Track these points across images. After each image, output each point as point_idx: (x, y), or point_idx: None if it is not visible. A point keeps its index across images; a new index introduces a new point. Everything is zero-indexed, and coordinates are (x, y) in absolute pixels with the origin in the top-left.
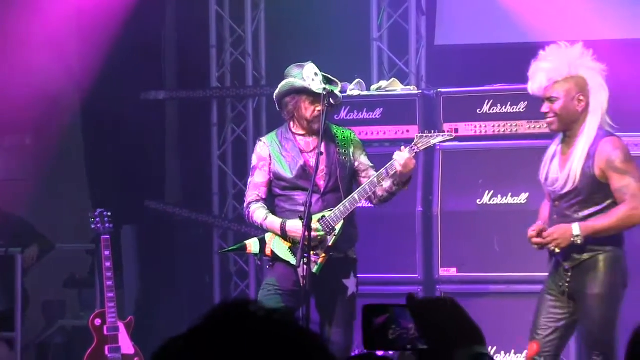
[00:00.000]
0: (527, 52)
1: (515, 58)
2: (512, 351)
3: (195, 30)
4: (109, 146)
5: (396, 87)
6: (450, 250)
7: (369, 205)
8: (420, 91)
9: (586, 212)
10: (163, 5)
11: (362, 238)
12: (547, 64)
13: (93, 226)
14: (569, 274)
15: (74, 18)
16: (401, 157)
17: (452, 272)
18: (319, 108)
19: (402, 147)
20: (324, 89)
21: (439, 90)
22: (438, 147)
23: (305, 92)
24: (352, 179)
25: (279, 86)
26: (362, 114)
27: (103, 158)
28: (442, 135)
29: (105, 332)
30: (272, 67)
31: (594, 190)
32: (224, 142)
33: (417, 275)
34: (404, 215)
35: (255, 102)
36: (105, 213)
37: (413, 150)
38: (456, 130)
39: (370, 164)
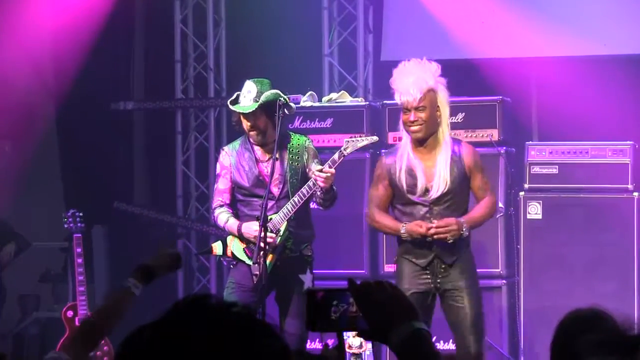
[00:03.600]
0: (465, 68)
1: (454, 73)
2: (450, 340)
3: (161, 47)
4: (81, 152)
5: (345, 99)
6: (394, 248)
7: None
8: (367, 103)
9: (461, 210)
10: (132, 23)
11: (315, 237)
12: (415, 76)
13: (66, 226)
14: (443, 269)
15: (49, 36)
16: (322, 175)
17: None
18: (248, 124)
19: (325, 165)
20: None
21: (384, 102)
22: (383, 154)
23: None
24: (304, 184)
25: None
26: (314, 123)
27: (76, 163)
28: (368, 139)
29: (77, 323)
30: (232, 80)
31: (463, 189)
32: (187, 149)
33: (363, 271)
34: (352, 216)
35: (216, 112)
36: (77, 214)
37: (342, 154)
38: (400, 139)
39: None
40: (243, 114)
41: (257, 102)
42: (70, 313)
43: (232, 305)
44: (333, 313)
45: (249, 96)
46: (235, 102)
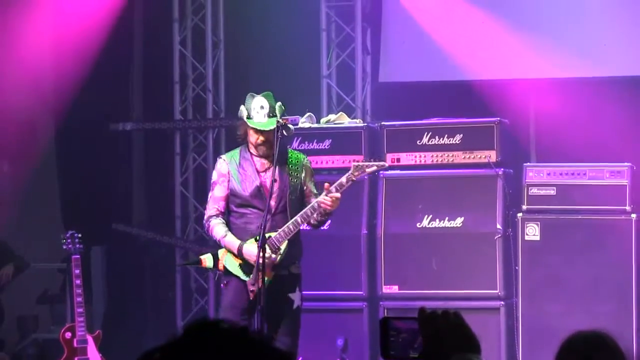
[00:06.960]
0: (462, 89)
1: (452, 94)
2: None
3: (160, 68)
4: (80, 173)
5: (344, 120)
6: (393, 269)
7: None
8: (365, 124)
9: None
10: (131, 45)
11: (313, 258)
12: None
13: (64, 247)
14: None
15: (49, 56)
16: (328, 199)
17: (394, 289)
18: (262, 138)
19: (332, 188)
20: (251, 126)
21: (382, 123)
22: (382, 175)
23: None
24: (301, 201)
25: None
26: (312, 145)
27: (75, 184)
28: (376, 165)
29: (75, 345)
30: (231, 101)
31: None
32: (185, 170)
33: (362, 292)
34: (350, 237)
35: (215, 133)
36: (76, 235)
37: (349, 179)
38: (398, 160)
39: (315, 192)
40: (262, 130)
41: (273, 116)
42: (68, 334)
43: (243, 330)
44: (392, 340)
45: (262, 112)
46: (248, 117)
